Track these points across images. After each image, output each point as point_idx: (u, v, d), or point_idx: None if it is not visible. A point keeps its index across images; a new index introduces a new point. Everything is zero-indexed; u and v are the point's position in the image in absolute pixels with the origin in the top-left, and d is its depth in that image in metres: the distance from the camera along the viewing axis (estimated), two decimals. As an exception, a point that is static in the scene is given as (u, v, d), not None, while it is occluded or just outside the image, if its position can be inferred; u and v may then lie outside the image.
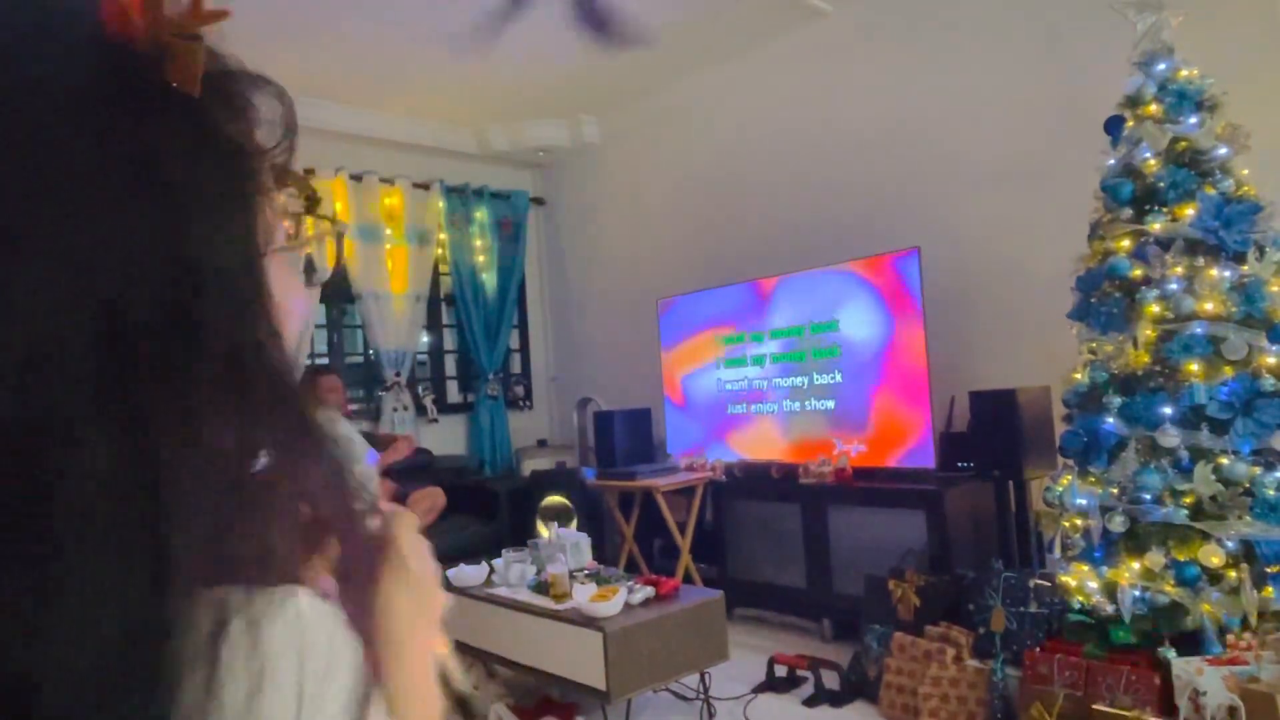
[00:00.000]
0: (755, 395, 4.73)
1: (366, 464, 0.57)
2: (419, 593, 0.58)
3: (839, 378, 4.29)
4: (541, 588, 3.19)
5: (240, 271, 0.41)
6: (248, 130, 0.44)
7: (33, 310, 0.34)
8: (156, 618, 0.35)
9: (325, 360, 5.81)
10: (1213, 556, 2.51)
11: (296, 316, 0.49)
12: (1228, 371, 2.62)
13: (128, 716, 0.34)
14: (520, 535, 4.80)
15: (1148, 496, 2.65)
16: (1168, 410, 2.64)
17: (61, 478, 0.34)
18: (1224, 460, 2.56)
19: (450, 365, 6.49)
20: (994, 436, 3.47)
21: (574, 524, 4.81)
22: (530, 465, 5.99)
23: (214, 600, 0.36)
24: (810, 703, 3.31)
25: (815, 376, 4.41)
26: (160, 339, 0.37)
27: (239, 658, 0.36)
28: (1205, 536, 2.54)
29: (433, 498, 4.43)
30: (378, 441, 4.29)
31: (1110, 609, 2.69)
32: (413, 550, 0.59)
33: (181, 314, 0.38)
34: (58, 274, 0.35)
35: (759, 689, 3.47)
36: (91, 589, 0.34)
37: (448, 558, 3.13)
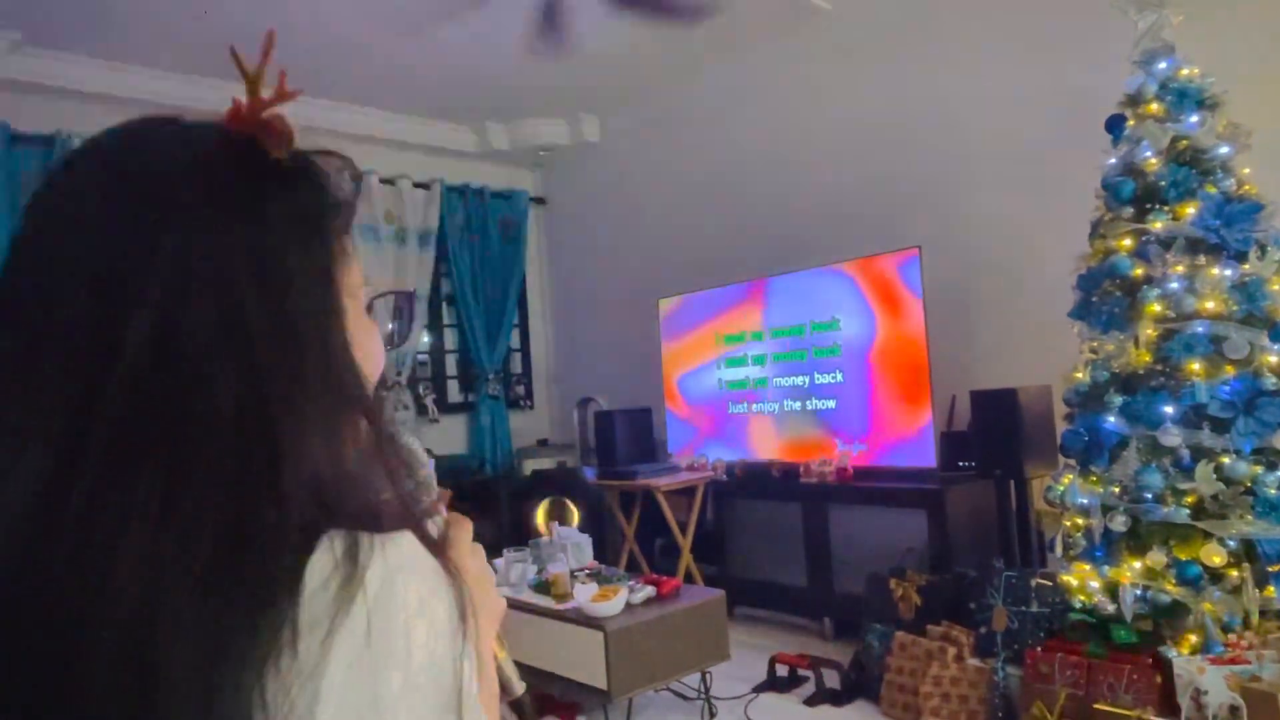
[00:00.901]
0: (756, 395, 4.73)
1: (428, 470, 0.60)
2: (479, 591, 0.61)
3: (840, 377, 4.29)
4: (543, 587, 3.20)
5: (321, 293, 0.52)
6: (323, 190, 0.57)
7: (163, 295, 0.46)
8: (260, 533, 0.44)
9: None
10: (1214, 556, 2.51)
11: (373, 356, 0.58)
12: (1229, 370, 2.62)
13: (232, 611, 0.42)
14: (521, 535, 4.80)
15: (1149, 496, 2.65)
16: (1169, 409, 2.64)
17: (189, 409, 0.45)
18: (1225, 459, 2.56)
19: (451, 365, 6.49)
20: (995, 436, 3.47)
21: (575, 524, 4.82)
22: (531, 465, 5.99)
23: (342, 535, 0.45)
24: (811, 702, 3.31)
25: (816, 376, 4.40)
26: (264, 321, 0.48)
27: (373, 573, 0.45)
28: (1207, 536, 2.54)
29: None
30: None
31: (1112, 608, 2.69)
32: (470, 552, 0.64)
33: (275, 305, 0.49)
34: (181, 272, 0.47)
35: (760, 688, 3.47)
36: (205, 500, 0.44)
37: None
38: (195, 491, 0.44)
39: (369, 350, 0.58)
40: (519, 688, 0.69)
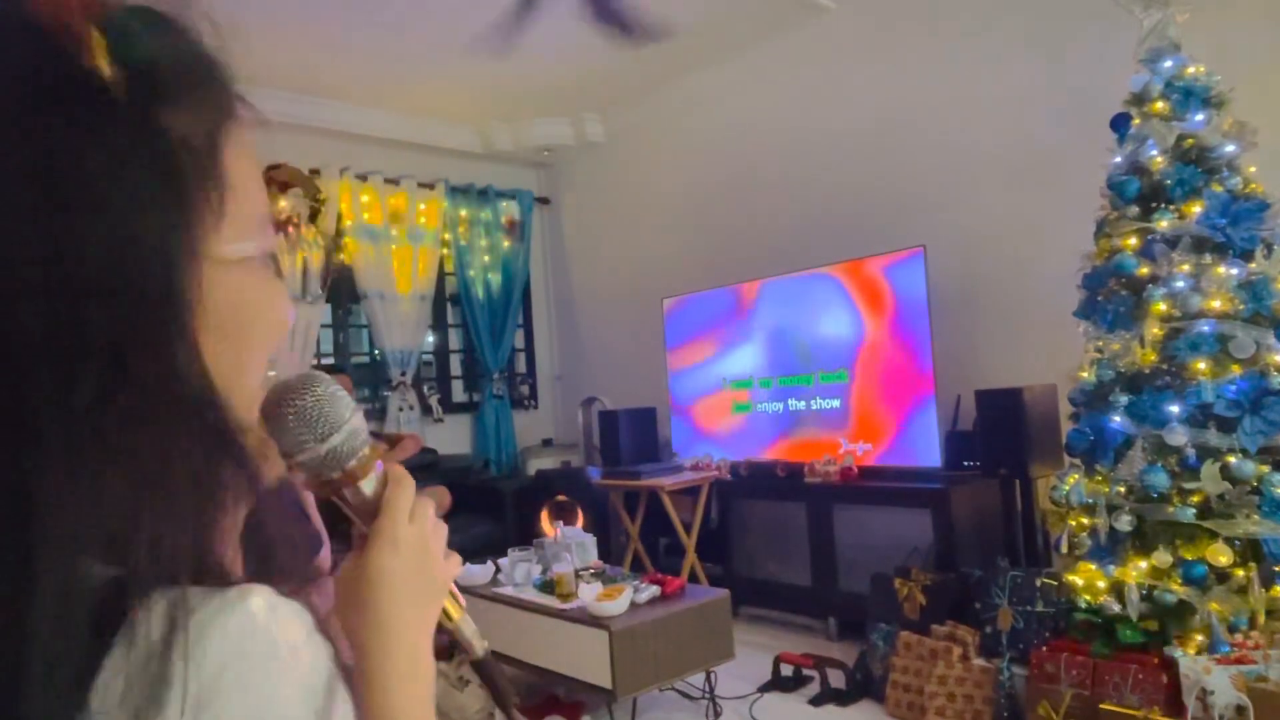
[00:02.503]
0: (760, 394, 4.73)
1: (358, 422, 0.54)
2: (416, 560, 0.56)
3: (844, 376, 4.29)
4: (547, 587, 3.20)
5: (146, 276, 0.39)
6: (183, 121, 0.41)
7: None
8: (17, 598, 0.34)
9: (331, 360, 5.83)
10: (1220, 555, 2.50)
11: (269, 323, 0.47)
12: (1235, 369, 2.61)
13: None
14: (526, 535, 4.81)
15: (1155, 495, 2.64)
16: (1175, 408, 2.64)
17: None
18: (1231, 459, 2.55)
19: (455, 365, 6.50)
20: (1000, 435, 3.46)
21: (579, 523, 4.82)
22: (535, 465, 6.00)
23: (166, 601, 0.36)
24: (816, 702, 3.31)
25: (821, 375, 4.40)
26: (45, 342, 0.36)
27: (189, 656, 0.34)
28: (1213, 535, 2.53)
29: (439, 497, 4.44)
30: (385, 440, 4.30)
31: (1117, 608, 2.68)
32: (411, 515, 0.57)
33: (67, 317, 0.37)
34: None
35: (765, 688, 3.47)
36: None
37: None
38: None
39: (266, 304, 0.46)
40: (480, 648, 0.65)
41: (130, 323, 0.38)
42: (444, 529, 0.60)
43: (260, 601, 0.37)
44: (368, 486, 0.58)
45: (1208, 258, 2.69)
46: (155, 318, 0.39)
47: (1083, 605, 2.81)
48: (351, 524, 0.59)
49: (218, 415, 0.41)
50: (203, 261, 0.41)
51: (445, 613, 0.61)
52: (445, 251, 6.18)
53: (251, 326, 0.45)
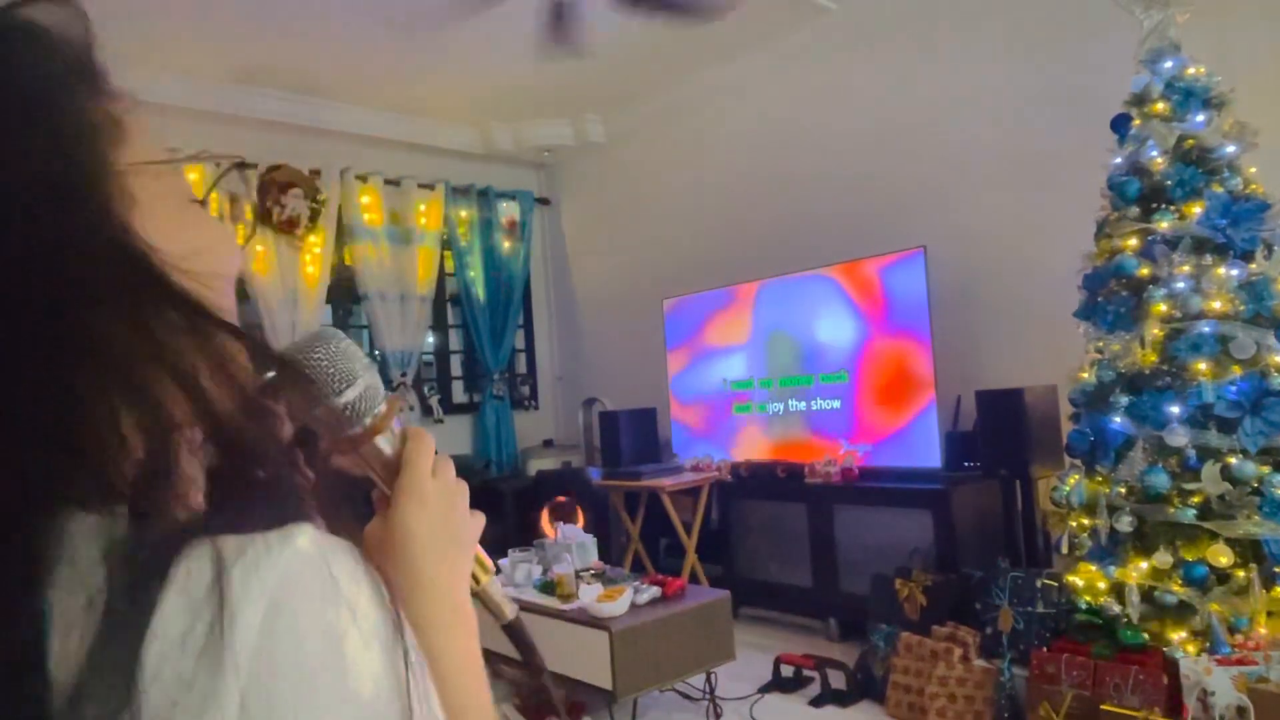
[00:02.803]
0: (761, 395, 4.73)
1: (372, 378, 0.52)
2: (445, 515, 0.55)
3: (845, 377, 4.29)
4: (548, 588, 3.20)
5: (69, 181, 0.38)
6: (49, 72, 0.40)
7: None
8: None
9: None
10: (1221, 556, 2.50)
11: (206, 247, 0.44)
12: (1236, 370, 2.61)
13: None
14: (526, 535, 4.80)
15: (1155, 496, 2.64)
16: (1175, 409, 2.64)
17: None
18: (1232, 460, 2.55)
19: (456, 365, 6.50)
20: (1001, 436, 3.46)
21: (580, 524, 4.82)
22: (536, 465, 6.00)
23: (207, 548, 0.34)
24: (817, 703, 3.31)
25: (821, 376, 4.40)
26: (24, 260, 0.36)
27: (245, 597, 0.32)
28: (1213, 536, 2.53)
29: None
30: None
31: (1118, 608, 2.68)
32: (434, 470, 0.56)
33: (38, 236, 0.36)
34: None
35: (765, 689, 3.47)
36: None
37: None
38: None
39: (196, 244, 0.43)
40: (509, 611, 0.64)
41: (65, 221, 0.37)
42: (465, 487, 0.59)
43: (307, 539, 0.35)
44: (386, 444, 0.57)
45: (1208, 258, 2.70)
46: (83, 211, 0.38)
47: (1083, 606, 2.81)
48: (370, 488, 0.58)
49: (184, 294, 0.40)
50: (118, 170, 0.41)
51: (473, 575, 0.60)
52: (446, 252, 6.18)
53: (195, 245, 0.43)
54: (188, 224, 0.44)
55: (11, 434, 0.34)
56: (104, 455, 0.35)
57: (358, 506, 0.57)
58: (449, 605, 0.54)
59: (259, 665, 0.31)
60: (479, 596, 0.62)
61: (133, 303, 0.37)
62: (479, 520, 0.59)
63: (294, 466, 0.42)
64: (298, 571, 0.34)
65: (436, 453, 0.58)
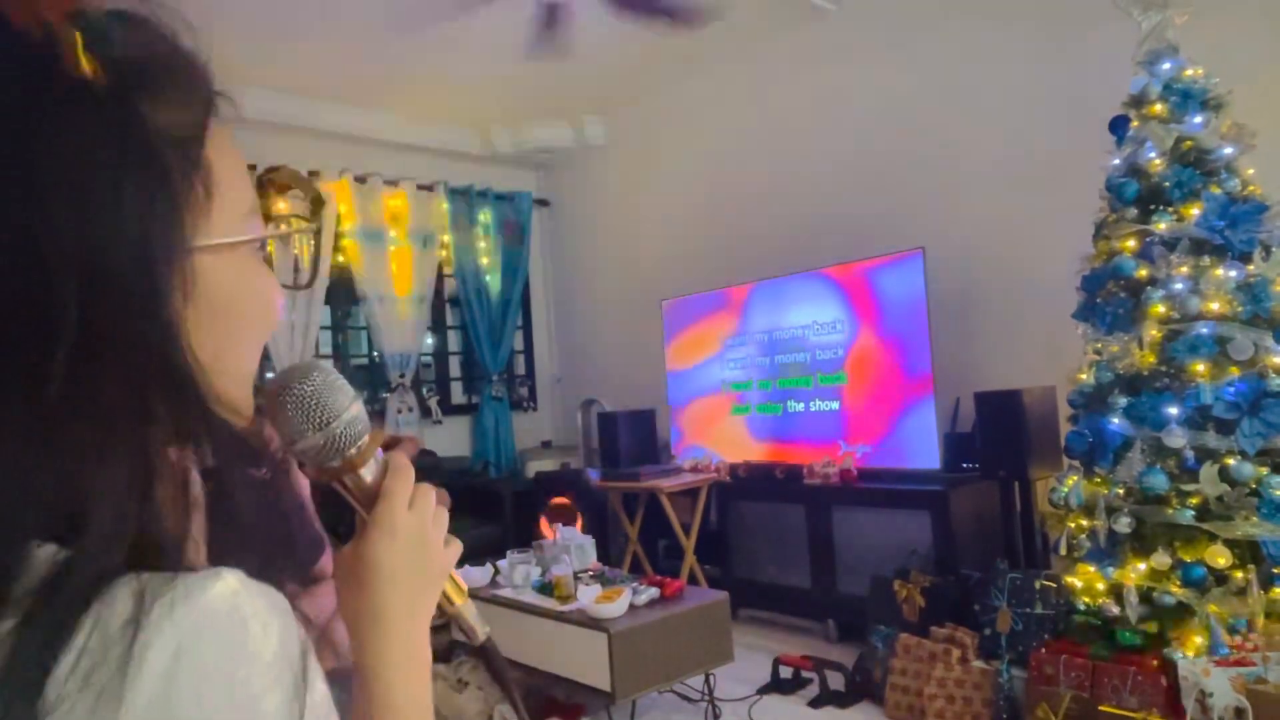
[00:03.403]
0: (760, 396, 4.73)
1: (357, 409, 0.54)
2: (414, 549, 0.56)
3: (843, 379, 4.29)
4: (546, 589, 3.19)
5: (121, 258, 0.40)
6: (164, 114, 0.42)
7: None
8: None
9: (331, 361, 5.83)
10: (1219, 557, 2.50)
11: (259, 309, 0.48)
12: (1234, 372, 2.61)
13: None
14: (525, 537, 4.80)
15: (1153, 497, 2.64)
16: (1174, 410, 2.64)
17: None
18: (1230, 461, 2.56)
19: (454, 367, 6.50)
20: (999, 437, 3.46)
21: (578, 525, 4.82)
22: (535, 467, 5.99)
23: (132, 585, 0.35)
24: (815, 704, 3.31)
25: (820, 377, 4.40)
26: (16, 318, 0.38)
27: (156, 637, 0.34)
28: (1211, 537, 2.53)
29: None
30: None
31: (1116, 610, 2.68)
32: (411, 503, 0.57)
33: (39, 297, 0.38)
34: None
35: (764, 690, 3.47)
36: None
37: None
38: None
39: (257, 294, 0.47)
40: (482, 633, 0.65)
41: (104, 302, 0.39)
42: (445, 516, 0.60)
43: (228, 583, 0.37)
44: (368, 474, 0.58)
45: (1206, 260, 2.70)
46: (129, 298, 0.39)
47: (1082, 607, 2.81)
48: (353, 516, 0.59)
49: (195, 391, 0.42)
50: (190, 249, 0.42)
51: (446, 596, 0.61)
52: (444, 253, 6.19)
53: (241, 312, 0.46)
54: (250, 278, 0.47)
55: (33, 471, 0.37)
56: (82, 499, 0.37)
57: (347, 531, 0.59)
58: (404, 643, 0.55)
59: (155, 712, 0.33)
60: (453, 618, 0.64)
61: (146, 388, 0.40)
62: (453, 551, 0.60)
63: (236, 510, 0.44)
64: (209, 619, 0.35)
65: (419, 484, 0.59)
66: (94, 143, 0.39)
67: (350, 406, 0.57)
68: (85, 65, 0.39)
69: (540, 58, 3.93)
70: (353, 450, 0.57)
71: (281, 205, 5.13)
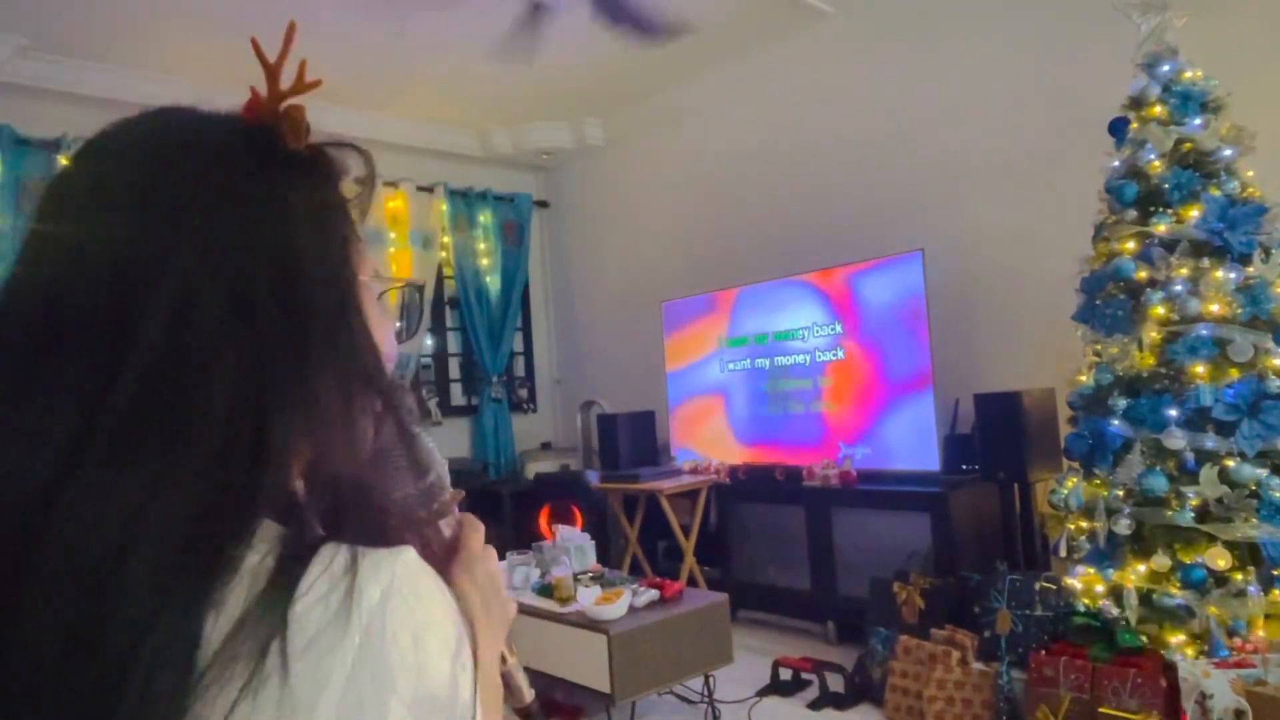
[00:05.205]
0: (760, 397, 4.73)
1: (441, 469, 0.59)
2: (489, 593, 0.62)
3: (844, 380, 4.29)
4: (546, 591, 3.19)
5: (336, 283, 0.52)
6: (337, 182, 0.57)
7: (182, 282, 0.46)
8: (233, 521, 0.44)
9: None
10: (1219, 559, 2.50)
11: (384, 343, 0.57)
12: (1233, 373, 2.61)
13: (178, 607, 0.41)
14: (525, 538, 4.80)
15: (1153, 499, 2.64)
16: (1173, 412, 2.64)
17: (189, 400, 0.45)
18: (1230, 463, 2.55)
19: (454, 368, 6.49)
20: (999, 439, 3.46)
21: (578, 527, 4.81)
22: (534, 468, 5.99)
23: (343, 549, 0.45)
24: (815, 706, 3.30)
25: (820, 379, 4.40)
26: (275, 306, 0.48)
27: (369, 596, 0.43)
28: (1211, 539, 2.53)
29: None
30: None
31: (1116, 611, 2.68)
32: (481, 557, 0.63)
33: (289, 292, 0.49)
34: (206, 257, 0.47)
35: (763, 692, 3.46)
36: (190, 482, 0.43)
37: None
38: (178, 487, 0.43)
39: (380, 327, 0.57)
40: (529, 695, 0.68)
41: (336, 308, 0.51)
42: (501, 575, 0.69)
43: (413, 555, 0.47)
44: (446, 527, 0.64)
45: (1206, 261, 2.70)
46: (351, 304, 0.52)
47: (1081, 609, 2.81)
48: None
49: (389, 382, 0.55)
50: (358, 280, 0.55)
51: (501, 656, 0.65)
52: (444, 255, 6.19)
53: (380, 339, 0.57)
54: (376, 327, 0.57)
55: (243, 448, 0.45)
56: (287, 480, 0.48)
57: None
58: (485, 679, 0.58)
59: (374, 628, 0.43)
60: (503, 677, 0.66)
61: (347, 370, 0.51)
62: (513, 605, 0.67)
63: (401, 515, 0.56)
64: (404, 574, 0.46)
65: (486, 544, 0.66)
66: (313, 196, 0.53)
67: (438, 465, 0.64)
68: (297, 141, 0.53)
69: (510, 59, 3.92)
70: (438, 504, 0.63)
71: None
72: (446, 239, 6.14)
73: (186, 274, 0.46)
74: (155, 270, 0.46)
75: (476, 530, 0.64)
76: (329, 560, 0.44)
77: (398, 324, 0.66)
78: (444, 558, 0.62)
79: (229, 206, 0.49)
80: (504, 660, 0.65)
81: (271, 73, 0.55)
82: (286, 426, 0.47)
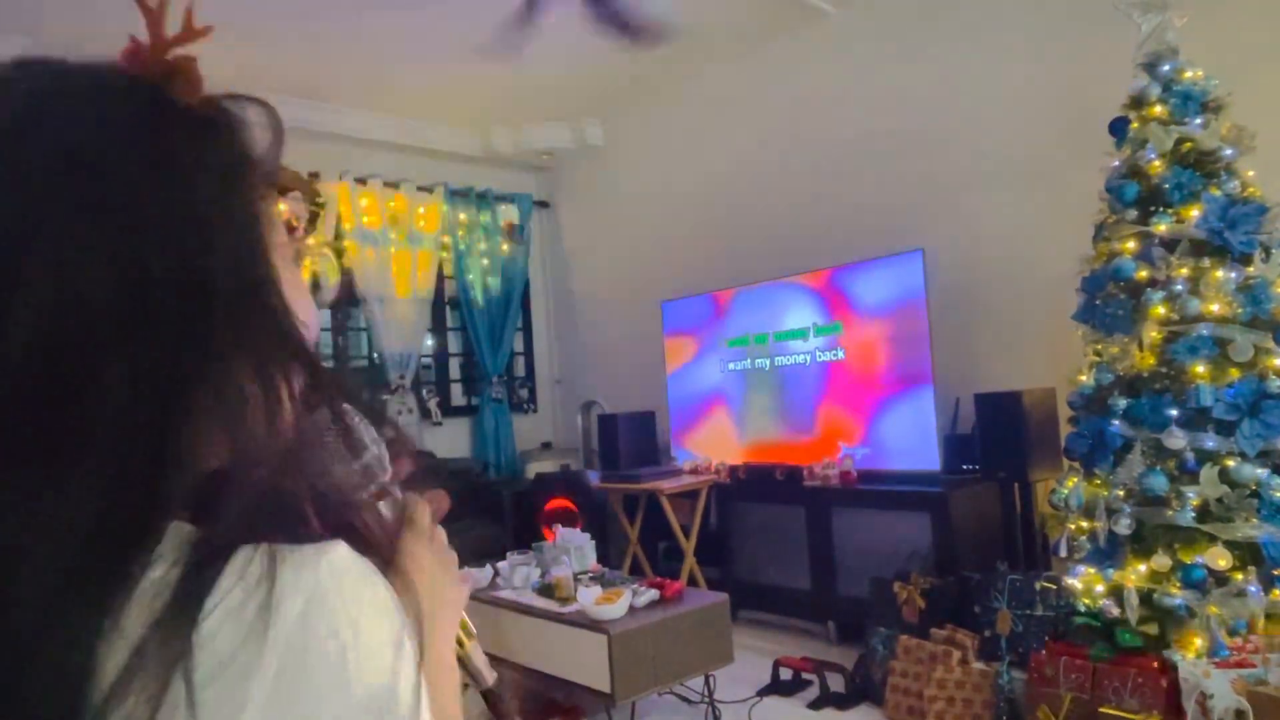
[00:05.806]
0: (761, 398, 4.73)
1: (380, 450, 0.56)
2: (436, 580, 0.58)
3: (845, 380, 4.29)
4: (546, 590, 3.19)
5: (244, 252, 0.46)
6: (241, 140, 0.50)
7: (60, 264, 0.41)
8: (134, 529, 0.39)
9: (330, 364, 5.83)
10: (1220, 559, 2.50)
11: (304, 312, 0.52)
12: (1234, 373, 2.61)
13: (79, 616, 0.37)
14: (525, 538, 4.80)
15: (1153, 498, 2.64)
16: (1173, 412, 2.64)
17: (78, 399, 0.40)
18: (1230, 462, 2.55)
19: (454, 368, 6.50)
20: (999, 438, 3.46)
21: (578, 527, 4.82)
22: (535, 468, 5.99)
23: (261, 551, 0.40)
24: (815, 706, 3.30)
25: (820, 379, 4.40)
26: (174, 288, 0.42)
27: (292, 602, 0.39)
28: (1212, 539, 2.53)
29: (436, 501, 4.44)
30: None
31: (1116, 611, 2.68)
32: (428, 539, 0.59)
33: (189, 270, 0.43)
34: (86, 236, 0.41)
35: (764, 692, 3.46)
36: (85, 489, 0.38)
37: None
38: (65, 499, 0.38)
39: (302, 296, 0.52)
40: (489, 677, 0.66)
41: (248, 285, 0.45)
42: (454, 555, 0.62)
43: (342, 554, 0.42)
44: (386, 509, 0.60)
45: (1206, 261, 2.70)
46: (266, 278, 0.47)
47: (1082, 609, 2.80)
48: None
49: (314, 359, 0.49)
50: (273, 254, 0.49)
51: (457, 640, 0.62)
52: (444, 255, 6.18)
53: (300, 303, 0.52)
54: (295, 296, 0.51)
55: (143, 449, 0.40)
56: (197, 472, 0.42)
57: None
58: (438, 667, 0.56)
59: (294, 644, 0.38)
60: (461, 661, 0.64)
61: (263, 353, 0.45)
62: (466, 587, 0.62)
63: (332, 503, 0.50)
64: (330, 577, 0.41)
65: (432, 522, 0.62)
66: (216, 156, 0.47)
67: (374, 445, 0.59)
68: (192, 95, 0.48)
69: (500, 55, 3.91)
70: (375, 486, 0.58)
71: (281, 207, 5.14)
72: (446, 239, 6.14)
73: (57, 261, 0.40)
74: (26, 251, 0.40)
75: (420, 512, 0.59)
76: (243, 566, 0.39)
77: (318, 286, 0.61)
78: (386, 543, 0.58)
79: (115, 172, 0.43)
80: (460, 644, 0.63)
81: (154, 18, 0.49)
82: (194, 422, 0.42)
